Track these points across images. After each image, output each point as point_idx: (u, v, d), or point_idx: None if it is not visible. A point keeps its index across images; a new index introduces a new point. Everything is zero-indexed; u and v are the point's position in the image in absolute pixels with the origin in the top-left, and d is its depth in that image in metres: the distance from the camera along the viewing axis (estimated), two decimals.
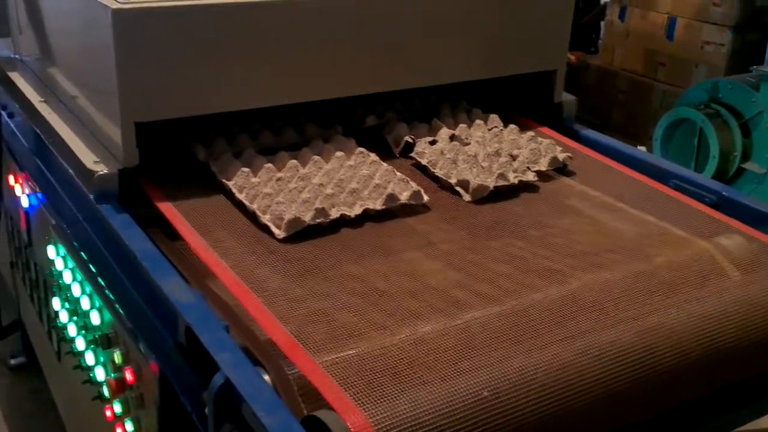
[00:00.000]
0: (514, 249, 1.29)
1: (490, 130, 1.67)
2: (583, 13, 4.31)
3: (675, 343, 1.08)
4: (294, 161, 1.45)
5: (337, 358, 0.98)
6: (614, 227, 1.38)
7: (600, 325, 1.09)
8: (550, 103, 1.78)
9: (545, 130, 1.74)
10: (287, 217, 1.28)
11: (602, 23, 4.48)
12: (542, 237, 1.34)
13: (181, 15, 1.29)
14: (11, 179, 1.78)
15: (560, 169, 1.59)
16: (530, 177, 1.53)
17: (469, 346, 1.03)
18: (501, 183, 1.48)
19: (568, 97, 1.80)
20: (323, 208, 1.32)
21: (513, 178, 1.50)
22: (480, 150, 1.57)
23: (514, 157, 1.57)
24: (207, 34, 1.32)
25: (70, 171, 1.37)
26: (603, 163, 1.64)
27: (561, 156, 1.59)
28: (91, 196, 1.29)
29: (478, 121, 1.69)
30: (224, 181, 1.39)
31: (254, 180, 1.39)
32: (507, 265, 1.24)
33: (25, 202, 1.66)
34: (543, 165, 1.57)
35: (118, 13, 1.22)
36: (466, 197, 1.46)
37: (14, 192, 1.74)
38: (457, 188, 1.48)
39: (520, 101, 1.80)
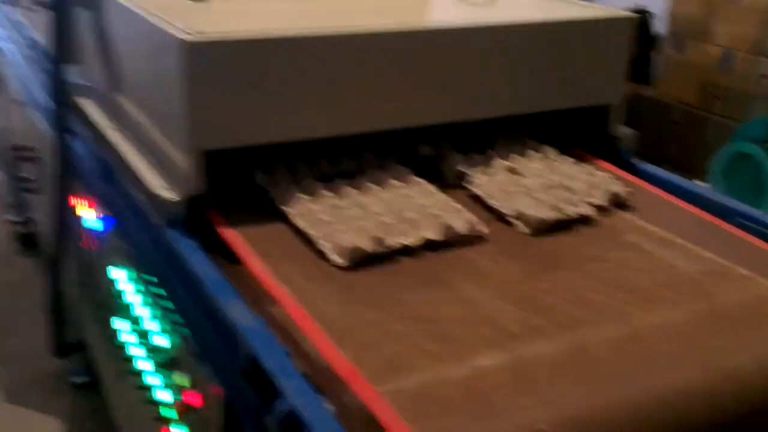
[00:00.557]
0: (571, 283, 1.29)
1: (545, 162, 1.68)
2: (638, 45, 4.29)
3: (741, 386, 1.07)
4: (352, 189, 1.48)
5: (396, 387, 0.99)
6: (674, 264, 1.37)
7: (661, 365, 1.08)
8: (607, 137, 1.78)
9: (602, 163, 1.74)
10: (348, 245, 1.31)
11: (655, 55, 4.46)
12: (600, 271, 1.33)
13: (250, 47, 1.33)
14: (79, 202, 1.84)
15: (618, 202, 1.59)
16: (587, 210, 1.52)
17: (527, 381, 1.03)
18: (557, 216, 1.48)
19: (625, 131, 1.80)
20: (382, 237, 1.34)
21: (569, 211, 1.50)
22: (536, 182, 1.58)
23: (570, 190, 1.57)
24: (275, 66, 1.36)
25: (139, 196, 1.42)
26: (662, 197, 1.63)
27: (618, 189, 1.59)
28: (159, 222, 1.33)
29: (533, 153, 1.70)
30: (284, 207, 1.42)
31: (313, 207, 1.42)
32: (564, 300, 1.23)
33: (92, 225, 1.72)
34: (600, 198, 1.57)
35: (189, 46, 1.26)
36: (522, 229, 1.46)
37: (81, 215, 1.81)
38: (513, 220, 1.48)
39: (577, 134, 1.80)
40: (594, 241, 1.45)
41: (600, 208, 1.55)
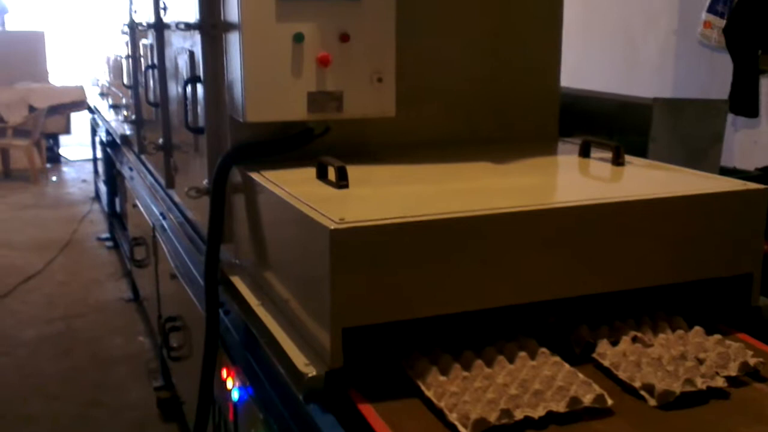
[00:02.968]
0: None
1: (674, 332, 1.69)
2: None
3: None
4: (479, 360, 1.54)
5: None
6: None
7: None
8: (747, 307, 1.76)
9: (736, 333, 1.72)
10: (473, 416, 1.35)
11: None
12: None
13: (388, 231, 1.46)
14: (224, 373, 1.98)
15: (753, 374, 1.56)
16: (719, 383, 1.51)
17: None
18: (688, 388, 1.47)
19: (764, 300, 1.78)
20: (508, 409, 1.38)
21: (700, 384, 1.49)
22: (664, 353, 1.59)
23: (700, 361, 1.57)
24: (412, 248, 1.48)
25: (281, 370, 1.53)
26: None
27: (752, 361, 1.56)
28: (300, 396, 1.43)
29: (661, 323, 1.71)
30: (414, 378, 1.50)
31: (442, 378, 1.49)
32: None
33: (234, 395, 1.84)
34: (733, 370, 1.55)
35: (332, 232, 1.41)
36: (651, 402, 1.46)
37: (225, 385, 1.93)
38: (642, 392, 1.48)
39: (709, 304, 1.80)
40: (728, 414, 1.43)
41: (734, 380, 1.53)
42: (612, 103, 2.74)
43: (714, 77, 4.63)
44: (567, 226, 1.61)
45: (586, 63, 5.09)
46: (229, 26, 1.96)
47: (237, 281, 1.97)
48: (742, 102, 4.34)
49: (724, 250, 1.75)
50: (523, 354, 1.56)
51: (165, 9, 2.65)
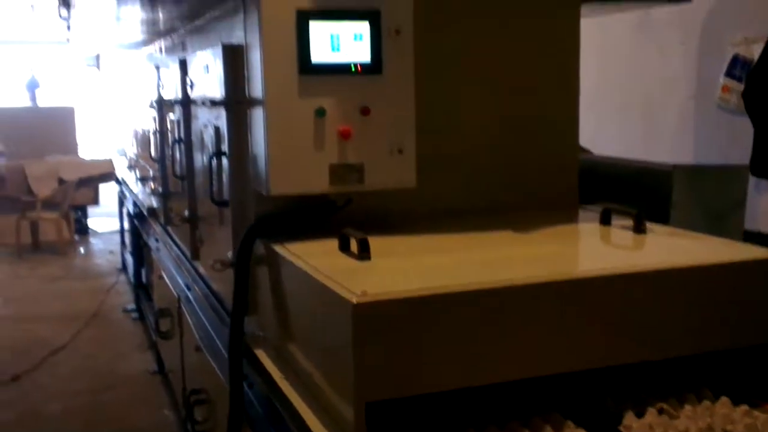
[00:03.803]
0: None
1: (700, 402, 1.66)
2: None
3: None
4: None
5: None
6: None
7: None
8: None
9: (764, 404, 1.68)
10: None
11: None
12: None
13: (411, 304, 1.46)
14: None
15: None
16: None
17: None
18: None
19: None
20: None
21: None
22: (691, 425, 1.56)
23: None
24: (439, 321, 1.48)
25: None
26: None
27: None
28: None
29: (687, 394, 1.68)
30: None
31: None
32: None
33: None
34: None
35: (355, 306, 1.42)
36: None
37: None
38: None
39: (737, 374, 1.78)
40: None
41: None
42: (632, 169, 2.76)
43: (734, 141, 4.63)
44: (590, 296, 1.60)
45: (605, 130, 5.14)
46: (254, 102, 2.02)
47: (261, 354, 1.98)
48: (764, 165, 4.33)
49: (749, 319, 1.73)
50: (548, 428, 1.54)
51: (192, 86, 2.73)
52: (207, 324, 2.69)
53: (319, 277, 1.62)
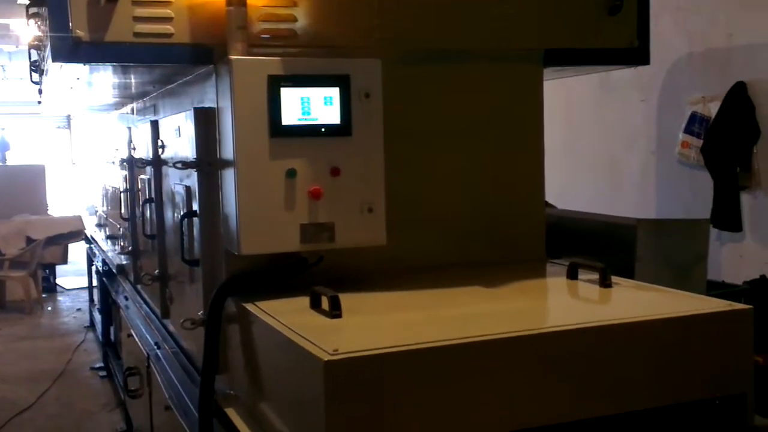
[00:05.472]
0: None
1: None
2: None
3: None
4: None
5: None
6: None
7: None
8: (744, 428, 1.76)
9: None
10: None
11: None
12: None
13: (386, 362, 1.48)
14: None
15: None
16: None
17: None
18: None
19: (763, 420, 1.80)
20: None
21: None
22: None
23: None
24: (410, 376, 1.50)
25: None
26: None
27: None
28: None
29: None
30: None
31: None
32: None
33: None
34: None
35: (330, 365, 1.43)
36: None
37: None
38: None
39: (706, 425, 1.79)
40: None
41: None
42: (597, 224, 2.82)
43: (695, 193, 4.76)
44: (557, 350, 1.64)
45: (572, 185, 5.24)
46: (225, 164, 2.05)
47: (232, 413, 1.97)
48: (725, 217, 4.45)
49: (714, 371, 1.76)
50: None
51: (163, 147, 2.76)
52: (177, 382, 2.66)
53: (290, 335, 1.64)
